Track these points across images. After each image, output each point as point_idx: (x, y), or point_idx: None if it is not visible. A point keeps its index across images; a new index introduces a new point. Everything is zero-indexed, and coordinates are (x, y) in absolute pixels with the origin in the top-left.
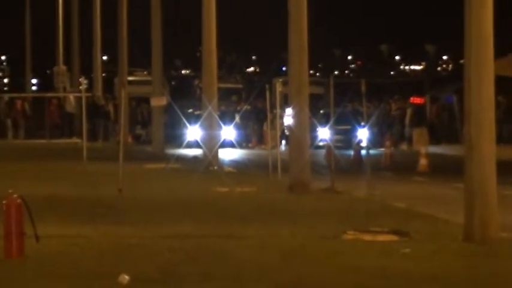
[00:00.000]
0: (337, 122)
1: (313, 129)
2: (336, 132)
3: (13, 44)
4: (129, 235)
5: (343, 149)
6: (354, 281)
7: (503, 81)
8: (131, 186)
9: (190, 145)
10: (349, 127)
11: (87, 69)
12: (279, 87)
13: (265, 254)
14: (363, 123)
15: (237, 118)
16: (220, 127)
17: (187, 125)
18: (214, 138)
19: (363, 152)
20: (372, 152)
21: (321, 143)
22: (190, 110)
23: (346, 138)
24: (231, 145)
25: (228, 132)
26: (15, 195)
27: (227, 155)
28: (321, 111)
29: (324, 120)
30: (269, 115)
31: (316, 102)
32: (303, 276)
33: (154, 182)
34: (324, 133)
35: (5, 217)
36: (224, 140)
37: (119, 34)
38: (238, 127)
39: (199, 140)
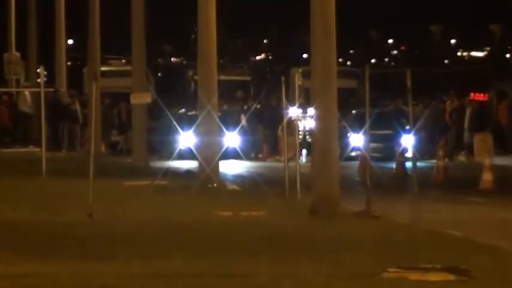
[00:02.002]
0: (375, 125)
1: (343, 135)
2: (373, 138)
3: None
4: (102, 273)
5: (383, 161)
6: None
7: None
8: (105, 209)
9: (182, 156)
10: (390, 132)
11: (47, 57)
12: (298, 80)
13: None
14: (408, 127)
15: (244, 120)
16: (222, 132)
17: (179, 129)
18: (213, 146)
19: (408, 164)
20: (419, 164)
21: (353, 153)
22: (183, 110)
23: (386, 147)
24: (236, 156)
25: (232, 139)
26: None
27: (230, 168)
28: (353, 112)
29: (358, 124)
30: (285, 116)
31: (347, 100)
32: None
33: (134, 205)
34: (357, 140)
35: None
36: (227, 149)
37: (89, 11)
38: (244, 132)
39: (193, 149)
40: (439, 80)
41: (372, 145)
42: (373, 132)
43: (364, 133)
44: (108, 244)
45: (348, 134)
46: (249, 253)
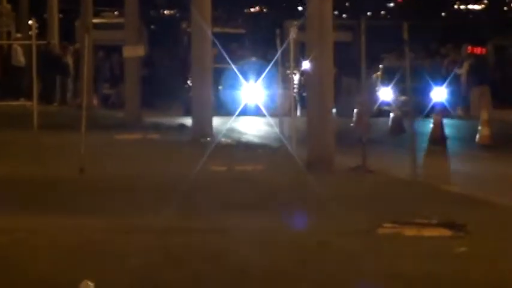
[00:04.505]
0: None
1: (371, 91)
2: (403, 92)
3: None
4: (93, 229)
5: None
6: None
7: None
8: (96, 164)
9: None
10: (420, 85)
11: (38, 9)
12: (293, 34)
13: (273, 254)
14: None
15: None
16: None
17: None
18: (206, 100)
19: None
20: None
21: (385, 108)
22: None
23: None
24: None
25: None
26: None
27: (226, 123)
28: (380, 66)
29: (387, 77)
30: (280, 70)
31: (342, 53)
32: (322, 286)
33: (126, 159)
34: (386, 94)
35: None
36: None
37: None
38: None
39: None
40: (435, 33)
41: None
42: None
43: (394, 87)
44: (99, 198)
45: (376, 89)
46: (243, 208)
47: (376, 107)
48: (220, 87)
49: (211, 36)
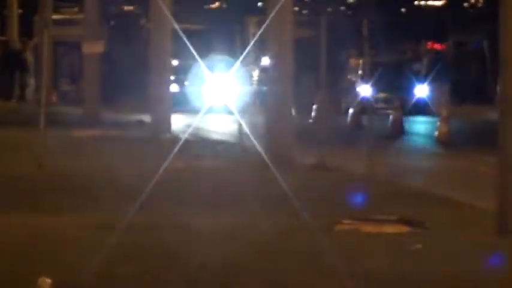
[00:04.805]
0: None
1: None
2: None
3: None
4: (51, 226)
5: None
6: None
7: None
8: (55, 160)
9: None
10: (404, 83)
11: None
12: (252, 29)
13: (230, 250)
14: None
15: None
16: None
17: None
18: (165, 96)
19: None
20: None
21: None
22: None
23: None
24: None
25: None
26: None
27: (186, 120)
28: (361, 62)
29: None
30: (241, 66)
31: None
32: (280, 282)
33: (85, 155)
34: (365, 91)
35: None
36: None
37: None
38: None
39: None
40: (394, 28)
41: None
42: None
43: (373, 85)
44: (58, 195)
45: (357, 85)
46: (201, 204)
47: (356, 103)
48: (186, 83)
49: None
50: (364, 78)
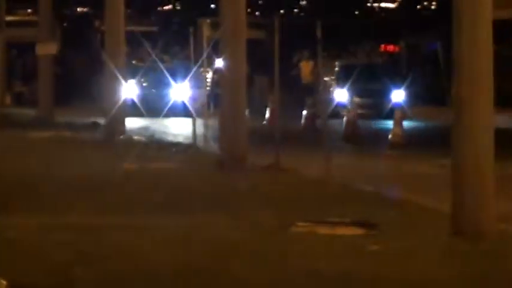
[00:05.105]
0: (363, 80)
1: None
2: (362, 94)
3: None
4: (5, 226)
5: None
6: None
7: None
8: (7, 161)
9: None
10: (380, 87)
11: None
12: (206, 31)
13: (184, 252)
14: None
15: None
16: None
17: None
18: (119, 98)
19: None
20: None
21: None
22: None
23: (376, 103)
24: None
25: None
26: None
27: (143, 122)
28: (336, 64)
29: (343, 77)
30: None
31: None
32: (234, 284)
33: (37, 157)
34: (341, 95)
35: None
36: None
37: None
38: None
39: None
40: (349, 30)
41: (361, 101)
42: (363, 88)
43: (350, 89)
44: (11, 197)
45: (332, 89)
46: (154, 206)
47: (330, 108)
48: (144, 85)
49: (124, 34)
50: (339, 82)
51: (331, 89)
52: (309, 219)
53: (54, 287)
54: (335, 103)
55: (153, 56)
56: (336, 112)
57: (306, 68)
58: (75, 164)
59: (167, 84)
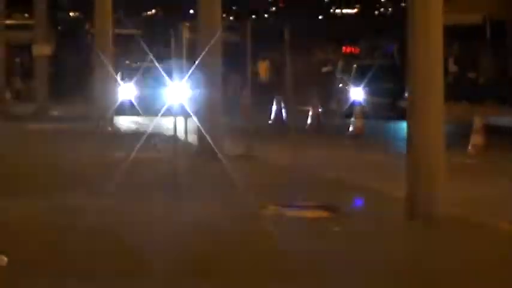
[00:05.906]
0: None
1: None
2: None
3: None
4: (5, 209)
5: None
6: (273, 268)
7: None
8: (8, 150)
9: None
10: (392, 86)
11: None
12: (185, 34)
13: (161, 232)
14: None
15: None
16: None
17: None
18: (109, 94)
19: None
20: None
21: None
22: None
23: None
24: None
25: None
26: None
27: (137, 119)
28: (354, 65)
29: (359, 77)
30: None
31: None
32: (210, 263)
33: (35, 146)
34: (357, 94)
35: None
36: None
37: None
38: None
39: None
40: (314, 34)
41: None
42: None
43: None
44: (12, 182)
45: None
46: (134, 191)
47: (347, 107)
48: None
49: (113, 36)
50: (353, 81)
51: (346, 87)
52: (278, 203)
53: (51, 261)
54: (351, 102)
55: (144, 57)
56: (351, 111)
57: (262, 66)
58: (65, 153)
59: (161, 84)
